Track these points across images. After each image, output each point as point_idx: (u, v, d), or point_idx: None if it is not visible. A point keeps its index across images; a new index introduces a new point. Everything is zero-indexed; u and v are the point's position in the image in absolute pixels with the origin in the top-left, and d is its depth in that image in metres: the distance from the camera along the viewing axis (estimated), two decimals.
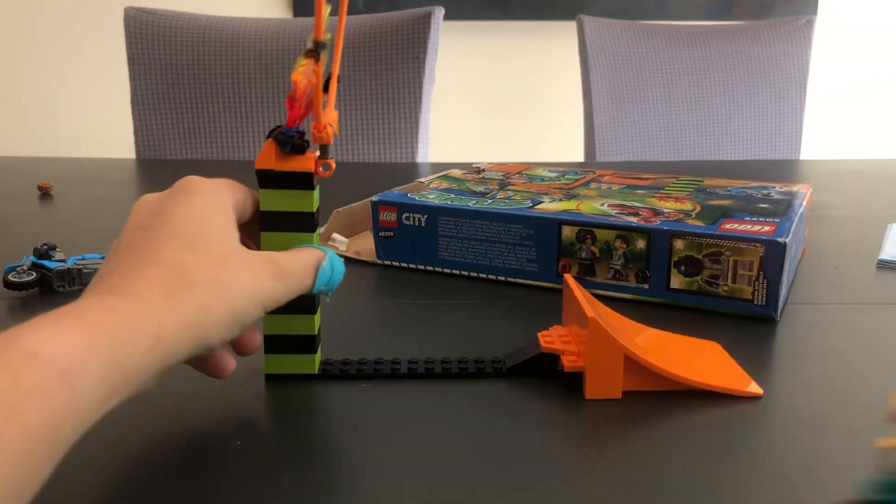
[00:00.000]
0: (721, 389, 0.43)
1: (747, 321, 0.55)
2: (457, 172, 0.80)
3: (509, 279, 0.64)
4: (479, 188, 0.71)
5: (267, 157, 0.42)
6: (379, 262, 0.68)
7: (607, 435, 0.40)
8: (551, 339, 0.46)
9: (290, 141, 0.42)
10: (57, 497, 0.34)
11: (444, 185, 0.73)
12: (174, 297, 0.34)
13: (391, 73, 1.38)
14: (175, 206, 0.37)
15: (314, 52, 0.39)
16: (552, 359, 0.45)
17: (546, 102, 2.30)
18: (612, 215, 0.61)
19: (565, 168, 0.82)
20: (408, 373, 0.46)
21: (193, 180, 0.39)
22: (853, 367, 0.48)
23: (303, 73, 0.39)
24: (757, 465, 0.37)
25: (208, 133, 1.42)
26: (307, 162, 0.42)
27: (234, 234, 0.38)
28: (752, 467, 0.36)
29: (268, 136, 0.42)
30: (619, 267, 0.59)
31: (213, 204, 0.38)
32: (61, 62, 2.29)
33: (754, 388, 0.44)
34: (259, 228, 0.43)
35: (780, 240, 0.54)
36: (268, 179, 0.42)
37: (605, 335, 0.42)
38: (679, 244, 0.57)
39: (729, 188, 0.72)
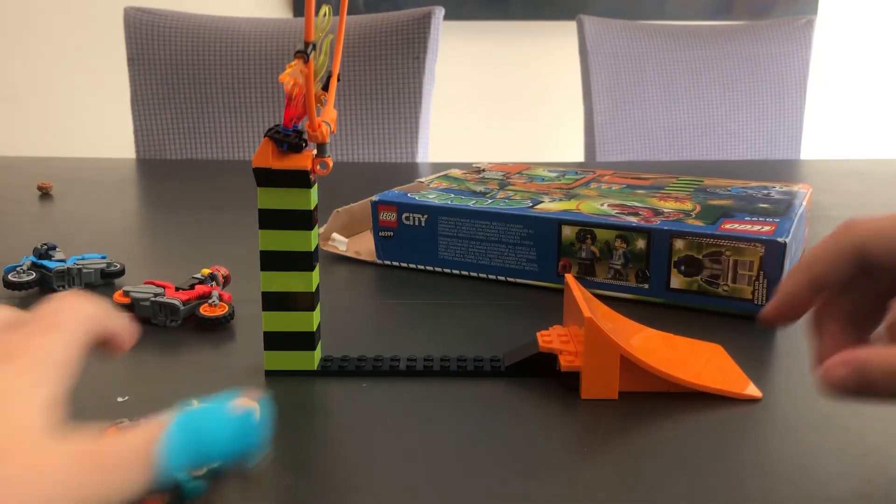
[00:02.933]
0: (718, 391, 0.43)
1: (747, 321, 0.55)
2: (457, 172, 0.80)
3: (509, 279, 0.64)
4: (479, 188, 0.71)
5: (264, 156, 0.42)
6: (379, 262, 0.68)
7: (602, 435, 0.40)
8: (550, 338, 0.46)
9: (287, 139, 0.42)
10: None
11: (444, 184, 0.73)
12: None
13: (391, 73, 1.38)
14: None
15: (303, 52, 0.39)
16: (550, 358, 0.45)
17: (546, 102, 2.30)
18: (612, 215, 0.61)
19: (565, 168, 0.82)
20: (407, 370, 0.46)
21: (28, 341, 0.29)
22: None
23: (290, 74, 0.39)
24: (756, 466, 0.37)
25: (208, 133, 1.42)
26: (304, 160, 0.42)
27: (38, 418, 0.27)
28: (752, 468, 0.36)
29: (265, 135, 0.42)
30: (619, 267, 0.59)
31: (26, 379, 0.28)
32: (61, 62, 2.29)
33: (753, 390, 0.44)
34: (259, 226, 0.44)
35: (780, 240, 0.54)
36: (265, 177, 0.43)
37: (602, 335, 0.42)
38: (679, 244, 0.57)
39: (729, 188, 0.72)
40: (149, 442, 0.27)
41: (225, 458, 0.28)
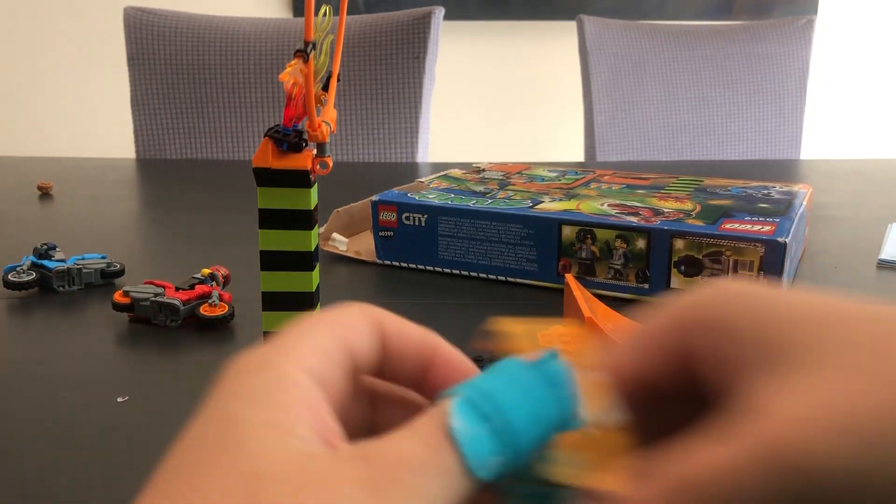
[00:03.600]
0: None
1: None
2: (457, 172, 0.80)
3: (509, 279, 0.63)
4: (479, 188, 0.71)
5: (264, 156, 0.42)
6: (379, 262, 0.68)
7: None
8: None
9: (287, 139, 0.42)
10: (59, 497, 0.34)
11: (444, 184, 0.73)
12: None
13: (391, 73, 1.38)
14: (219, 403, 0.22)
15: (303, 52, 0.39)
16: None
17: (546, 102, 2.30)
18: (612, 215, 0.61)
19: (565, 168, 0.82)
20: None
21: (283, 345, 0.21)
22: None
23: (290, 74, 0.39)
24: None
25: (208, 133, 1.42)
26: (304, 160, 0.42)
27: (308, 435, 0.20)
28: None
29: (265, 135, 0.42)
30: (619, 267, 0.59)
31: (287, 398, 0.20)
32: (61, 62, 2.29)
33: None
34: (258, 226, 0.44)
35: (780, 239, 0.54)
36: (265, 177, 0.43)
37: (602, 335, 0.42)
38: (679, 244, 0.57)
39: (729, 188, 0.72)
40: (443, 427, 0.19)
41: (541, 435, 0.20)
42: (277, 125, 0.42)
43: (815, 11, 2.22)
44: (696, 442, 0.19)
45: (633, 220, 0.59)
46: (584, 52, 1.56)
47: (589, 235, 0.60)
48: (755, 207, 0.63)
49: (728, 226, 0.57)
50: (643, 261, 0.58)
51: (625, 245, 0.59)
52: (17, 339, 0.53)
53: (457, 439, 0.19)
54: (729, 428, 0.19)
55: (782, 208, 0.63)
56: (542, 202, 0.65)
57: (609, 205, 0.64)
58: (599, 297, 0.60)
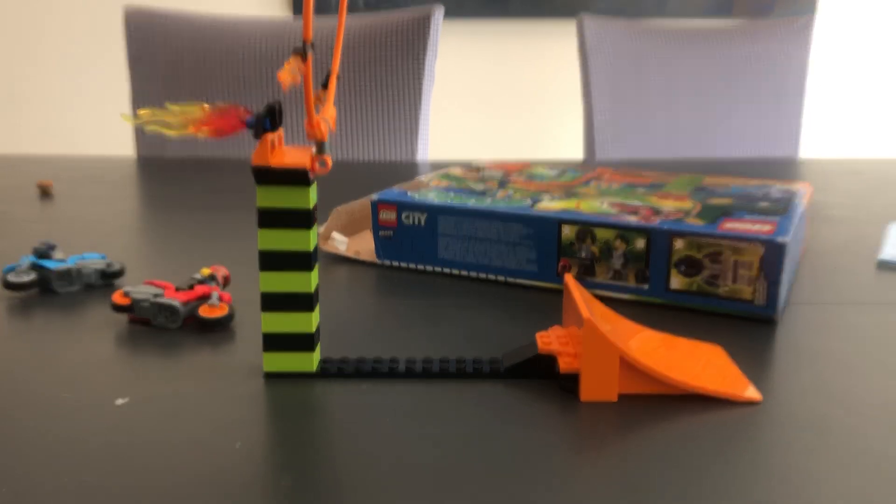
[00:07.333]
0: (717, 394, 0.43)
1: (747, 321, 0.55)
2: (456, 171, 0.79)
3: (509, 279, 0.63)
4: (479, 187, 0.71)
5: (262, 154, 0.42)
6: (379, 261, 0.68)
7: (602, 437, 0.40)
8: (549, 340, 0.46)
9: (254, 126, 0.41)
10: (58, 499, 0.34)
11: (444, 183, 0.73)
12: None
13: (391, 72, 1.38)
14: None
15: (301, 51, 0.39)
16: (549, 360, 0.45)
17: (546, 101, 2.30)
18: (612, 214, 0.61)
19: (565, 166, 0.82)
20: (406, 372, 0.46)
21: None
22: (853, 368, 0.48)
23: (288, 72, 0.39)
24: (756, 466, 0.37)
25: None
26: (303, 159, 0.42)
27: None
28: (751, 468, 0.36)
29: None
30: (618, 267, 0.59)
31: None
32: (61, 62, 2.29)
33: (752, 392, 0.44)
34: (258, 226, 0.43)
35: (780, 239, 0.54)
36: (264, 176, 0.42)
37: (601, 337, 0.42)
38: (679, 244, 0.57)
39: (729, 187, 0.72)
40: None
41: None
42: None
43: (814, 11, 2.22)
44: None
45: (633, 219, 0.59)
46: (584, 51, 1.56)
47: (589, 235, 0.60)
48: (755, 206, 0.63)
49: (728, 225, 0.57)
50: (643, 261, 0.58)
51: (624, 245, 0.58)
52: (16, 339, 0.53)
53: None
54: None
55: (782, 207, 0.63)
56: (542, 201, 0.65)
57: (609, 203, 0.64)
58: (599, 297, 0.60)
